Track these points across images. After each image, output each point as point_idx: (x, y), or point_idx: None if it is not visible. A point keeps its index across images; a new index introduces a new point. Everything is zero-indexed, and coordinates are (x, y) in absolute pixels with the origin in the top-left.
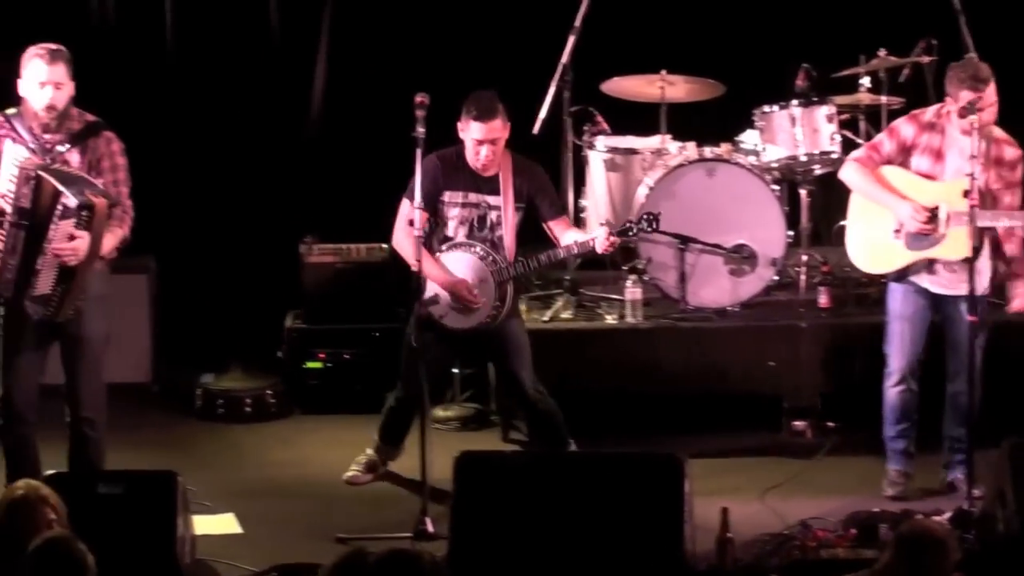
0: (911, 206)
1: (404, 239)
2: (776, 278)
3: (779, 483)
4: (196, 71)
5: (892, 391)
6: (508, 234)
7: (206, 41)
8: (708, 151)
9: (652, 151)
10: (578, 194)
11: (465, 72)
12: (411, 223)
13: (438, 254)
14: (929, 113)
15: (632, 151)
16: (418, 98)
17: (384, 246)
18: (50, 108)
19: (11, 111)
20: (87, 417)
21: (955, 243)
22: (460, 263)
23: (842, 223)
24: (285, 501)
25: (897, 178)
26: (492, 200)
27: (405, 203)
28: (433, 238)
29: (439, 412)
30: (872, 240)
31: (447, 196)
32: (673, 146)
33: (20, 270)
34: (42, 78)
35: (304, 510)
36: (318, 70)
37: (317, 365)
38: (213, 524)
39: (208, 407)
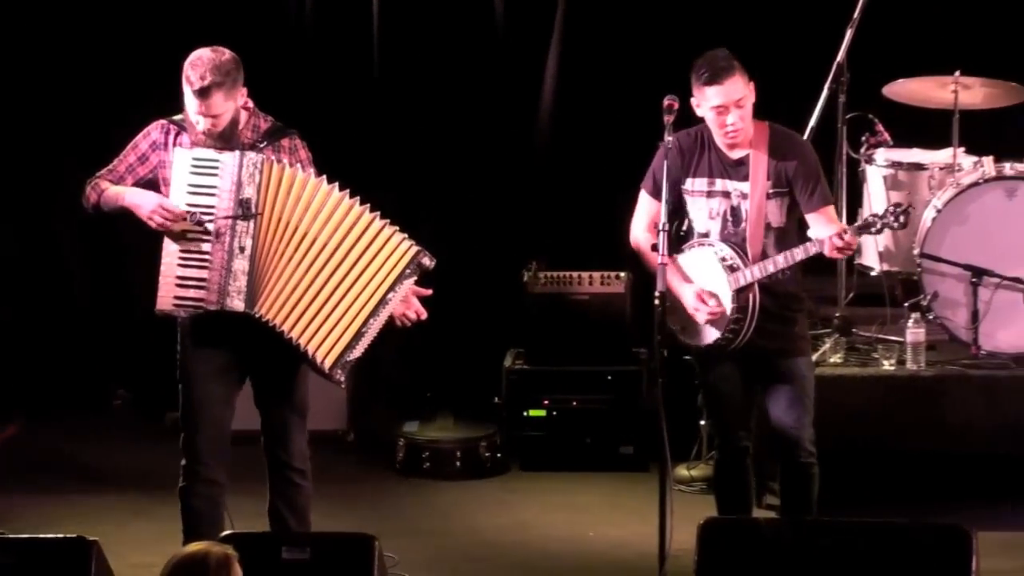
0: None
1: (642, 235)
2: None
3: None
4: (407, 71)
5: None
6: (754, 227)
7: (418, 37)
8: (1008, 167)
9: (941, 167)
10: (853, 215)
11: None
12: (655, 225)
13: (676, 255)
14: None
15: (918, 166)
16: (667, 101)
17: (622, 274)
18: (208, 133)
19: (179, 117)
20: (297, 468)
21: None
22: (696, 265)
23: None
24: (500, 573)
25: None
26: (743, 186)
27: (643, 194)
28: (687, 239)
29: (682, 471)
30: None
31: (689, 183)
32: (967, 161)
33: (267, 278)
34: (199, 110)
35: None
36: (548, 68)
37: (540, 413)
38: None
39: (411, 461)
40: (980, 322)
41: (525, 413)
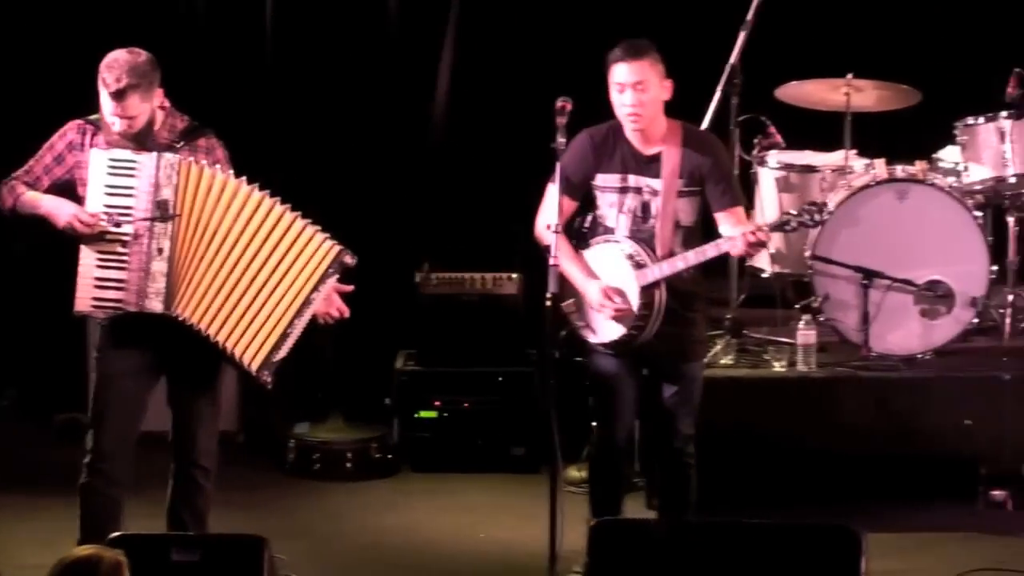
0: None
1: (546, 230)
2: (976, 321)
3: (975, 567)
4: (299, 67)
5: None
6: (663, 224)
7: (312, 33)
8: (900, 170)
9: (833, 169)
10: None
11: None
12: (564, 219)
13: (583, 251)
14: None
15: (810, 168)
16: (559, 103)
17: (514, 275)
18: (124, 134)
19: (95, 117)
20: (203, 466)
21: None
22: (603, 261)
23: None
24: (390, 574)
25: None
26: (655, 183)
27: (551, 188)
28: (592, 234)
29: (573, 472)
30: None
31: (600, 179)
32: (859, 163)
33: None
34: (114, 111)
35: None
36: (442, 67)
37: (431, 415)
38: None
39: (302, 462)
40: (870, 324)
41: (416, 414)
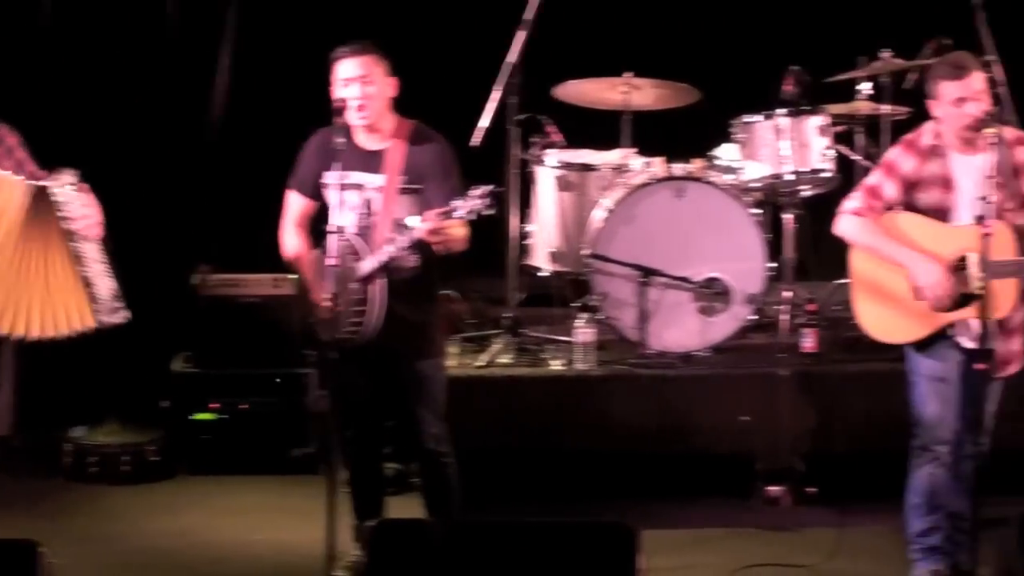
0: (934, 271)
1: (290, 238)
2: (753, 318)
3: (751, 563)
4: (74, 65)
5: (924, 470)
6: (382, 220)
7: (88, 25)
8: (678, 168)
9: (612, 167)
10: (524, 217)
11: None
12: (303, 223)
13: (317, 250)
14: (927, 135)
15: (588, 167)
16: (337, 102)
17: (292, 277)
18: None
19: None
20: None
21: (997, 299)
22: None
23: (842, 281)
24: None
25: (909, 226)
26: (377, 179)
27: (290, 194)
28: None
29: None
30: (889, 306)
31: (327, 177)
32: (637, 162)
33: None
34: None
35: None
36: (221, 63)
37: (208, 417)
38: None
39: (78, 465)
40: (648, 322)
41: (193, 417)
